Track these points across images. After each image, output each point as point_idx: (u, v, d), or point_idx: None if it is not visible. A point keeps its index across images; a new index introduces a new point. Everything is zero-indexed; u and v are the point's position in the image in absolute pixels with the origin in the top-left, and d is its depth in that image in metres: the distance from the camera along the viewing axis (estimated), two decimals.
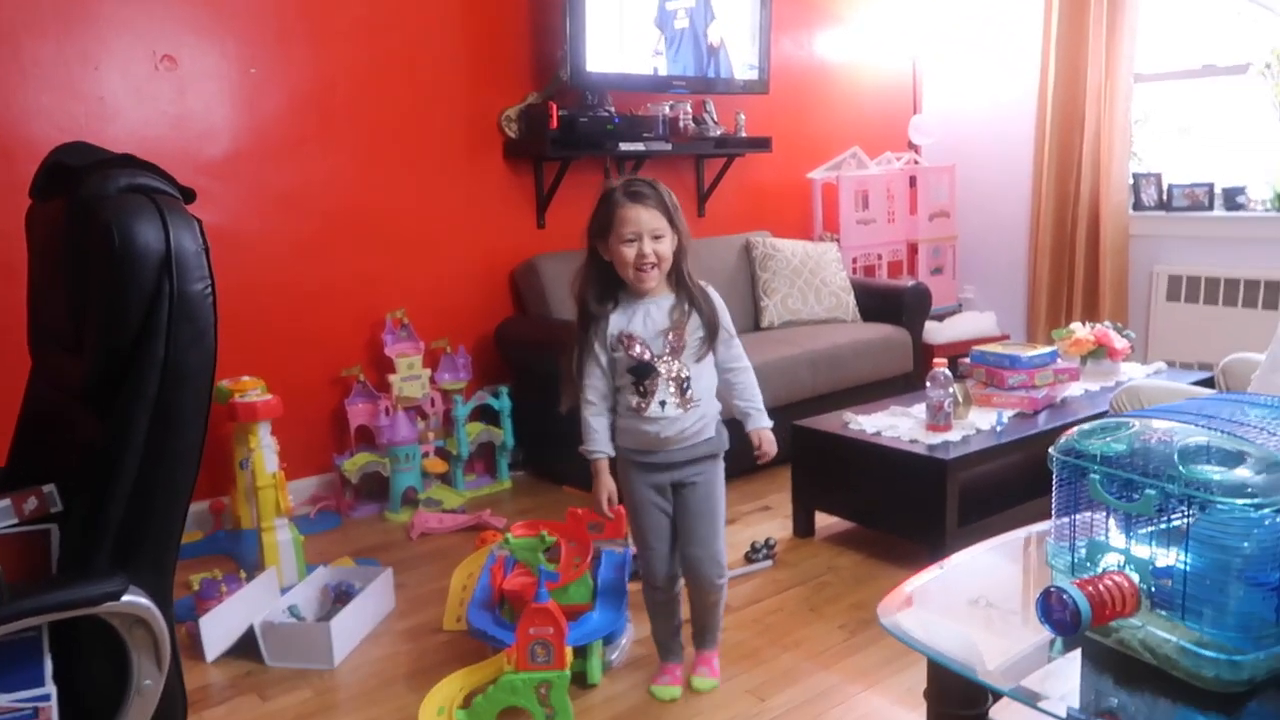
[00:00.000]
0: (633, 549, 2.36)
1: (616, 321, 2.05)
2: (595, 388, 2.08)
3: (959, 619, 1.49)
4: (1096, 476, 1.24)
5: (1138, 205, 4.54)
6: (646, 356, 2.03)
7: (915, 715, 2.07)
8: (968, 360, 3.32)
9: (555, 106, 3.74)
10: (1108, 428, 1.30)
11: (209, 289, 1.27)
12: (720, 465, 2.16)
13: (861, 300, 4.33)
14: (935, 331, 4.59)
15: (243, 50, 3.27)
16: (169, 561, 1.32)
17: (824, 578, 2.81)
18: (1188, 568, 1.14)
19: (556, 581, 2.22)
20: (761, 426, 2.16)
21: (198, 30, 3.18)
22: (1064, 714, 1.19)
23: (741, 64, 4.29)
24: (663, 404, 2.03)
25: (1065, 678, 1.28)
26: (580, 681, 2.23)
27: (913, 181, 5.03)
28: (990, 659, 1.34)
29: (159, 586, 1.27)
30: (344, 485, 3.48)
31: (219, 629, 2.43)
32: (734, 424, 2.19)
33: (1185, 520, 1.15)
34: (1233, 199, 4.28)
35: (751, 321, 4.28)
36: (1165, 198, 4.47)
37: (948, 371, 2.89)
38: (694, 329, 2.04)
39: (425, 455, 3.54)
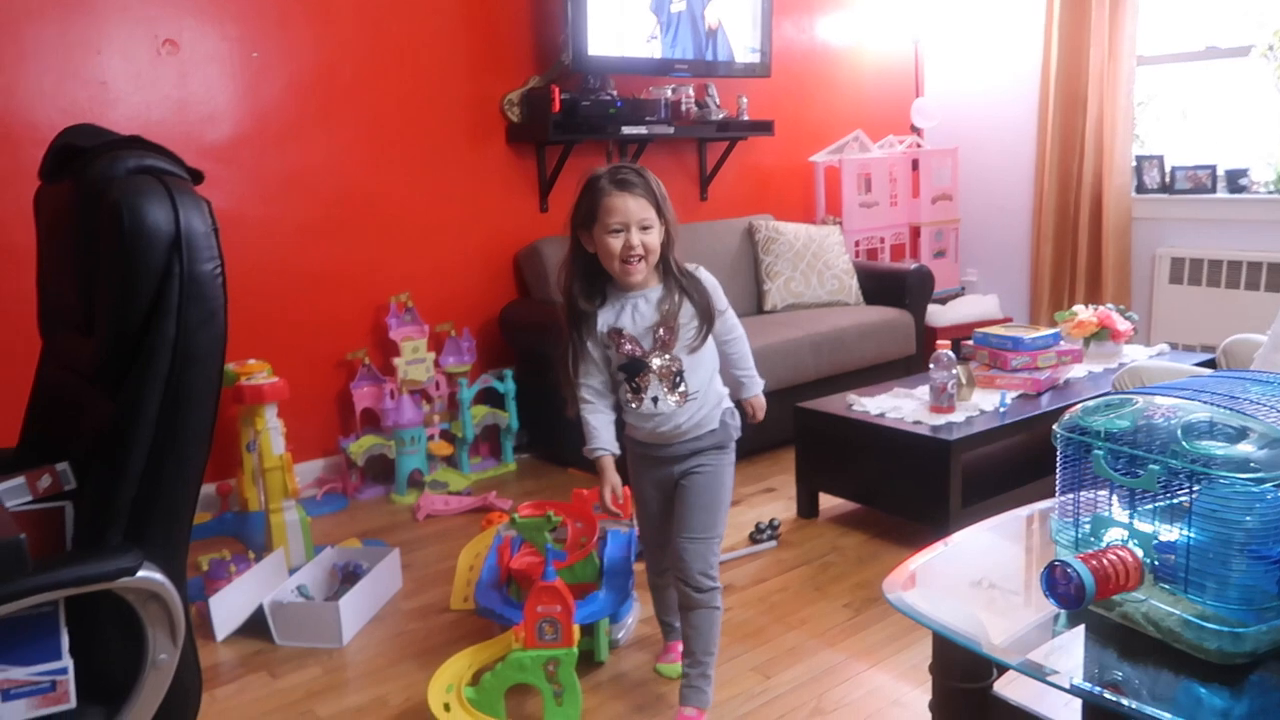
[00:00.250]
0: (637, 530, 2.36)
1: (605, 317, 1.95)
2: (592, 386, 1.99)
3: (964, 595, 1.51)
4: (1100, 453, 1.26)
5: (1140, 188, 4.54)
6: (637, 353, 1.94)
7: (919, 691, 2.09)
8: (970, 343, 3.33)
9: (557, 90, 3.74)
10: (1112, 404, 1.31)
11: (219, 269, 1.28)
12: (727, 458, 2.04)
13: (864, 283, 4.34)
14: (938, 314, 4.59)
15: (244, 34, 3.27)
16: (181, 538, 1.33)
17: (828, 558, 2.83)
18: (1191, 542, 1.15)
19: (563, 561, 2.24)
20: (754, 393, 2.12)
21: (199, 14, 3.18)
22: (1069, 686, 1.20)
23: (743, 47, 4.28)
24: (655, 400, 1.94)
25: (1070, 652, 1.29)
26: (587, 659, 2.25)
27: (915, 164, 5.02)
28: (995, 634, 1.36)
29: (172, 562, 1.28)
30: (350, 468, 3.50)
31: (228, 608, 2.46)
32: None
33: (1188, 495, 1.16)
34: (1235, 181, 4.27)
35: (754, 305, 4.29)
36: (1168, 180, 4.47)
37: (951, 353, 2.90)
38: (686, 319, 1.94)
39: (430, 438, 3.56)
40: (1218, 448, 1.15)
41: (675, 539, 2.00)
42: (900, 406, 2.99)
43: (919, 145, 5.11)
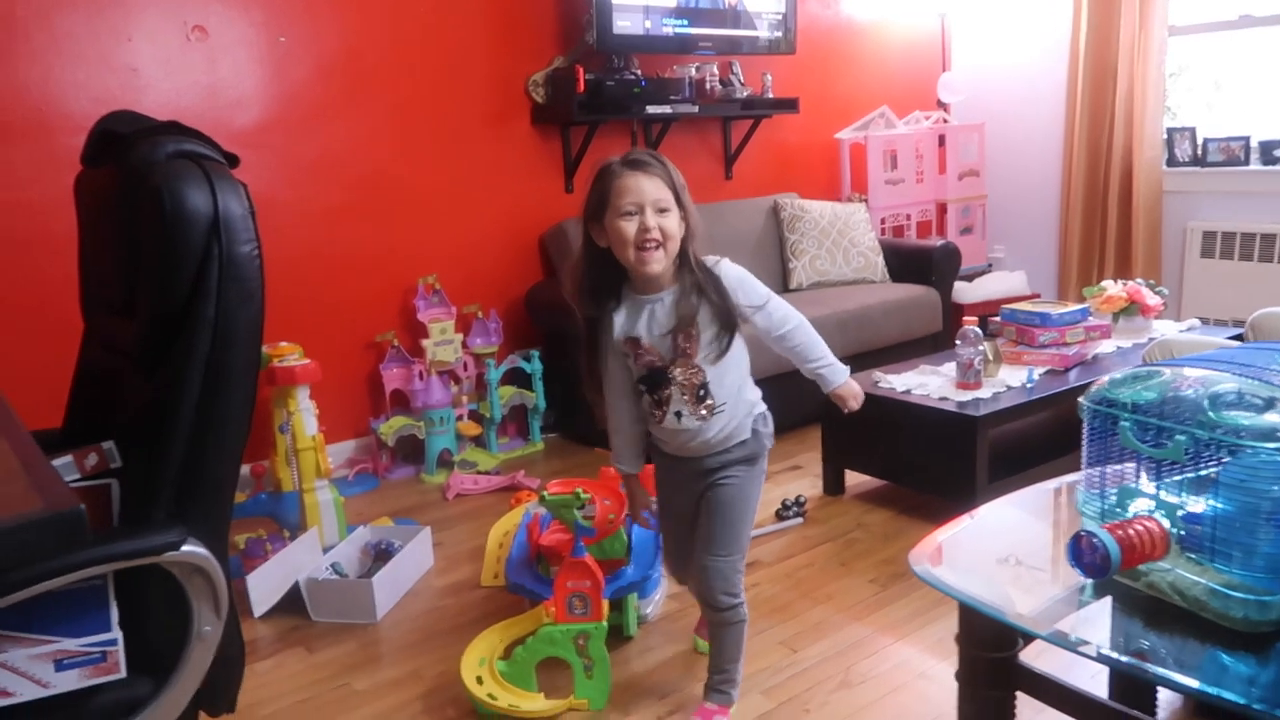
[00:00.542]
0: (661, 538, 2.19)
1: (620, 324, 1.79)
2: (612, 403, 1.88)
3: (990, 567, 1.52)
4: (1127, 424, 1.26)
5: (1171, 161, 4.48)
6: (657, 364, 1.78)
7: (946, 664, 2.10)
8: (998, 319, 3.32)
9: (582, 70, 3.74)
10: (1139, 376, 1.31)
11: (256, 251, 1.31)
12: (757, 470, 1.90)
13: (890, 261, 4.32)
14: (965, 291, 4.57)
15: (271, 19, 3.30)
16: (223, 514, 1.37)
17: (854, 534, 2.84)
18: (1217, 512, 1.16)
19: (593, 537, 2.27)
20: (836, 385, 1.89)
21: (226, 0, 3.21)
22: (1096, 655, 1.21)
23: (767, 24, 4.26)
24: (679, 415, 1.79)
25: (1097, 622, 1.30)
26: (616, 634, 2.28)
27: (941, 140, 4.98)
28: (1022, 605, 1.37)
29: (215, 537, 1.33)
30: (380, 448, 3.55)
31: (265, 586, 2.51)
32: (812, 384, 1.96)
33: (1215, 465, 1.16)
34: (1269, 153, 4.21)
35: (780, 283, 4.28)
36: (1200, 152, 4.40)
37: (978, 329, 2.89)
38: (705, 324, 1.76)
39: (459, 418, 3.61)
40: (1245, 418, 1.15)
41: (698, 555, 1.89)
42: (927, 383, 2.99)
43: (945, 120, 5.06)
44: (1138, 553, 1.18)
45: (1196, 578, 1.19)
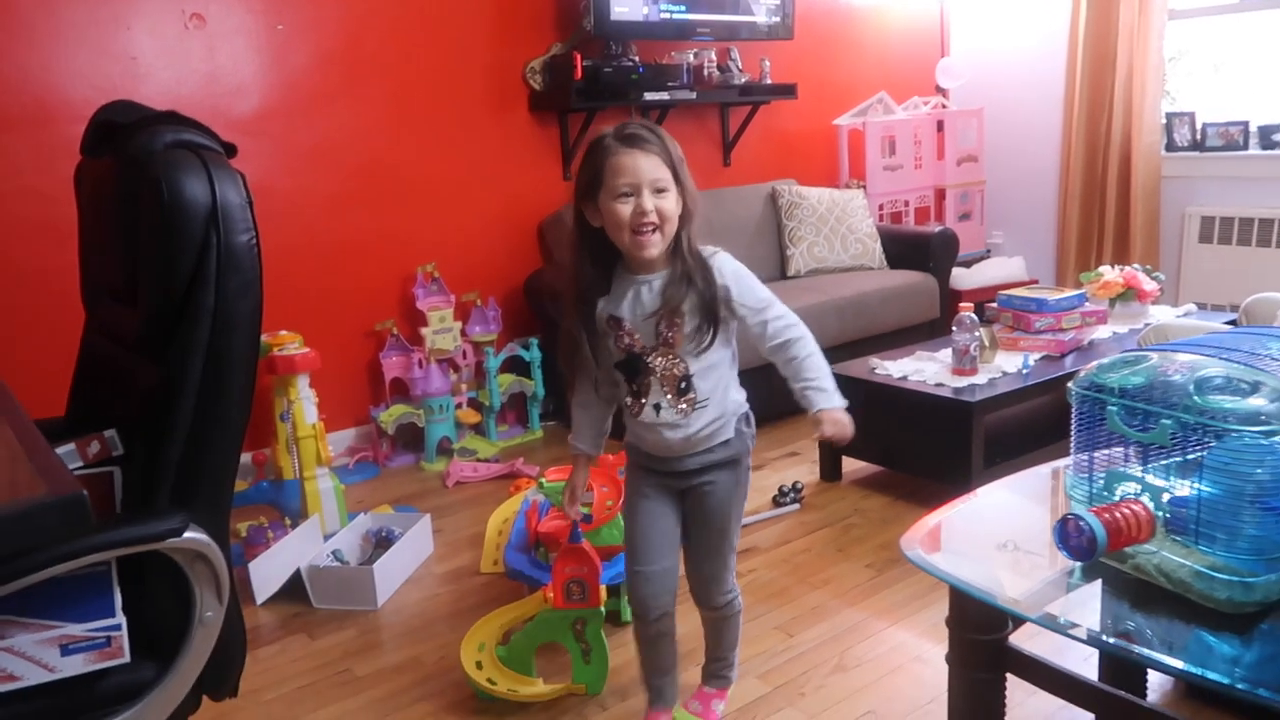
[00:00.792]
0: (625, 557, 1.88)
1: (605, 303, 1.68)
2: (580, 386, 1.76)
3: (981, 550, 1.54)
4: (1114, 408, 1.28)
5: (1170, 146, 4.48)
6: (635, 349, 1.66)
7: (940, 648, 2.10)
8: (995, 305, 3.33)
9: (579, 57, 3.74)
10: (1128, 361, 1.33)
11: (254, 240, 1.33)
12: (742, 471, 1.77)
13: (888, 247, 4.33)
14: (962, 277, 4.58)
15: (269, 7, 3.30)
16: (224, 500, 1.39)
17: (851, 519, 2.87)
18: (1202, 495, 1.17)
19: (590, 523, 2.29)
20: (822, 408, 1.65)
21: None
22: (1085, 637, 1.23)
23: (765, 9, 4.25)
24: (657, 408, 1.66)
25: (1085, 604, 1.32)
26: (613, 620, 2.30)
27: (940, 126, 4.98)
28: (1012, 588, 1.39)
29: (216, 524, 1.34)
30: (380, 436, 3.57)
31: (267, 573, 2.53)
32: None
33: (1200, 449, 1.18)
34: (1269, 137, 4.21)
35: (778, 270, 4.29)
36: (1199, 137, 4.40)
37: (974, 315, 2.91)
38: (690, 313, 1.63)
39: (458, 406, 3.62)
40: (1230, 402, 1.17)
41: (689, 567, 1.82)
42: (923, 369, 3.00)
43: (944, 106, 5.06)
44: (1124, 535, 1.20)
45: (1182, 560, 1.21)
